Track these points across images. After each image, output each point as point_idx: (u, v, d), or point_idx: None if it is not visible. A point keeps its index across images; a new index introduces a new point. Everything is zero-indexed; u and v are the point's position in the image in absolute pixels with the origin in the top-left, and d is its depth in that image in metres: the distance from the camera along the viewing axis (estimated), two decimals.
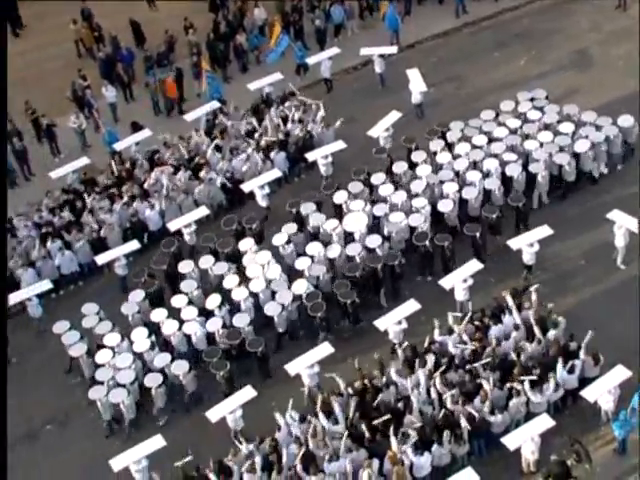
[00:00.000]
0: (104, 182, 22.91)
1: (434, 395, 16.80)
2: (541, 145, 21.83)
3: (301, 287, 19.39)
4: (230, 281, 19.63)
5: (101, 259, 20.92)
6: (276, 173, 22.59)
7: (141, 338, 18.76)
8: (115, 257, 20.76)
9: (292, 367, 17.89)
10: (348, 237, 20.64)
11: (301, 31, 28.15)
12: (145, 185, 22.45)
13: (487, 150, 22.00)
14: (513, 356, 17.29)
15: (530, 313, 17.99)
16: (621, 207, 19.99)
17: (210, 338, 18.99)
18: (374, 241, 20.09)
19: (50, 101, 26.16)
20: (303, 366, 17.81)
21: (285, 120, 24.01)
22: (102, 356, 18.47)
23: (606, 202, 20.83)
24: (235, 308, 19.33)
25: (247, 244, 20.45)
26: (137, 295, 19.68)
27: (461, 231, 20.60)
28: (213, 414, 17.23)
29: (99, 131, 25.37)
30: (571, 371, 16.94)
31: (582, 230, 20.94)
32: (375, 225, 20.96)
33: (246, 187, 22.33)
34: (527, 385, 16.54)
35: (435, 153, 22.17)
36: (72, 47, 28.72)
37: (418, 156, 22.11)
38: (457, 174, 21.55)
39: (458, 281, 19.05)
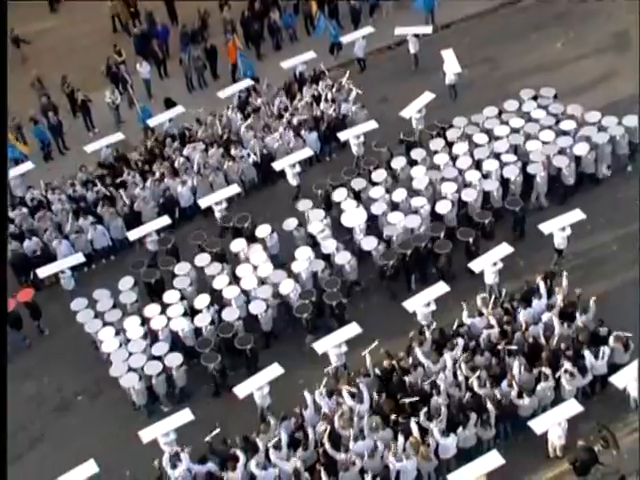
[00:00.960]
0: (137, 158, 23.08)
1: (461, 378, 16.82)
2: (543, 144, 21.20)
3: (287, 287, 19.15)
4: (221, 281, 19.39)
5: (133, 235, 21.11)
6: (307, 152, 22.59)
7: (134, 327, 18.77)
8: (147, 233, 20.93)
9: (320, 346, 17.97)
10: (347, 233, 20.39)
11: (336, 10, 28.00)
12: (175, 164, 22.56)
13: (489, 149, 21.40)
14: (542, 340, 17.25)
15: (560, 298, 17.91)
16: None
17: (198, 336, 18.77)
18: (370, 243, 19.78)
19: (85, 76, 26.32)
20: (331, 345, 17.88)
21: (318, 99, 23.98)
22: (108, 345, 18.55)
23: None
24: (226, 307, 19.07)
25: (239, 244, 20.15)
26: (126, 282, 19.66)
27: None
28: (240, 390, 17.37)
29: (133, 107, 25.54)
30: (599, 357, 16.84)
31: (615, 216, 20.74)
32: (374, 223, 20.56)
33: (277, 165, 22.37)
34: (564, 378, 16.51)
35: (436, 152, 21.62)
36: (108, 23, 28.88)
37: (417, 154, 21.67)
38: (460, 172, 21.05)
39: (488, 264, 18.98)
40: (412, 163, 21.70)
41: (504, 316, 17.84)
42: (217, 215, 21.44)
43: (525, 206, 20.51)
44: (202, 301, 19.12)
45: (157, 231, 21.03)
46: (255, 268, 19.62)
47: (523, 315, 17.75)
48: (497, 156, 21.34)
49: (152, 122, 24.14)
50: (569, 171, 20.89)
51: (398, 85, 25.21)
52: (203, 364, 18.11)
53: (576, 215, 19.57)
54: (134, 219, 21.63)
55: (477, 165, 21.27)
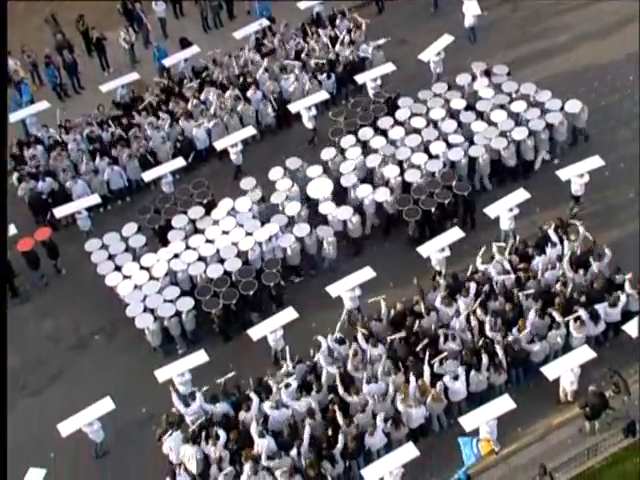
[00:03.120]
0: (151, 98, 22.94)
1: (474, 323, 16.90)
2: (490, 125, 20.50)
3: (247, 244, 19.01)
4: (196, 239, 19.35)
5: (148, 176, 21.10)
6: (324, 95, 22.37)
7: (135, 270, 18.91)
8: (162, 174, 20.91)
9: (333, 289, 18.03)
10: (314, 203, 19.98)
11: None
12: (189, 105, 22.40)
13: (435, 131, 20.67)
14: (557, 287, 17.26)
15: (576, 245, 17.86)
16: None
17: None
18: (303, 230, 19.29)
19: (100, 14, 26.00)
20: (344, 289, 17.96)
21: (334, 40, 23.64)
22: (123, 288, 18.72)
23: None
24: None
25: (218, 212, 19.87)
26: (130, 229, 19.71)
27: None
28: (255, 332, 17.53)
29: (148, 47, 25.29)
30: (614, 304, 16.88)
31: (631, 163, 20.50)
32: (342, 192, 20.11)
33: (293, 108, 22.19)
34: (573, 327, 16.53)
35: (385, 132, 20.92)
36: None
37: (367, 133, 20.89)
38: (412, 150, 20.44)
39: (504, 210, 18.90)
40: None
41: (519, 262, 17.84)
42: (233, 157, 21.39)
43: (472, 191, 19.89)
44: (190, 256, 19.12)
45: (172, 172, 21.03)
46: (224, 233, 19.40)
47: (538, 262, 17.75)
48: (445, 137, 20.59)
49: (167, 62, 23.94)
50: (508, 153, 20.28)
51: (417, 27, 24.83)
52: (205, 309, 18.21)
53: (595, 162, 19.38)
54: (151, 160, 21.57)
55: (425, 147, 20.54)
